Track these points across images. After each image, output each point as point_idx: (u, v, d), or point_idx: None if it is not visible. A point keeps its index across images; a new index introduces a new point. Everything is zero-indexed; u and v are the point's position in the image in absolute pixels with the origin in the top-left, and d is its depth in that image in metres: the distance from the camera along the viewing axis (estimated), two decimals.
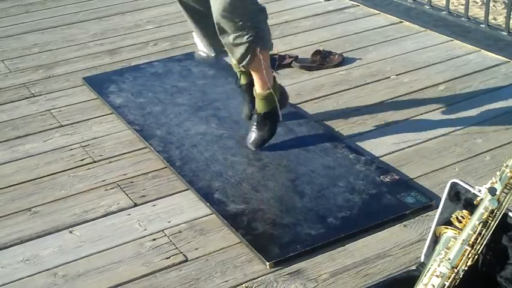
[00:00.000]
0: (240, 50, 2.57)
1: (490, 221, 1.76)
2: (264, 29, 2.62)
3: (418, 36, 3.89)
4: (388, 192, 2.50)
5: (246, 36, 2.53)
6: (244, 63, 2.61)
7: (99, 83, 3.48)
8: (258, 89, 2.73)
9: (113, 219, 2.46)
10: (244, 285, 2.12)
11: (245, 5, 2.53)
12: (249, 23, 2.52)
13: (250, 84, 2.84)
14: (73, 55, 3.88)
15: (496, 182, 1.78)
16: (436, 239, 1.90)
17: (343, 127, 2.98)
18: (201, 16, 2.77)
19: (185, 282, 2.14)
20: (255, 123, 2.77)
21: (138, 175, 2.70)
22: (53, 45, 4.04)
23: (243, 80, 2.92)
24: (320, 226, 2.34)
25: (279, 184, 2.60)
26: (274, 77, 2.76)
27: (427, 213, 2.38)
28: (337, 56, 3.59)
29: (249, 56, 2.57)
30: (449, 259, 1.75)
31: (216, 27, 2.55)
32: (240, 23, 2.50)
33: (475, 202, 1.81)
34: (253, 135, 2.79)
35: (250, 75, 2.77)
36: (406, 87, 3.30)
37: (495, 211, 1.77)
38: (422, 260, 2.02)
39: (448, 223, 1.86)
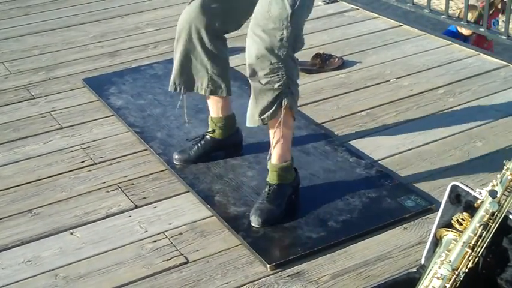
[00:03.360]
0: (268, 96, 2.29)
1: (490, 224, 1.77)
2: (296, 84, 2.37)
3: (418, 39, 3.90)
4: (388, 195, 2.51)
5: (278, 84, 2.28)
6: (267, 114, 2.31)
7: (99, 85, 3.48)
8: (274, 159, 2.42)
9: (113, 221, 2.46)
10: (245, 287, 2.13)
11: (284, 50, 2.26)
12: (284, 69, 2.27)
13: (223, 141, 2.73)
14: (73, 57, 3.89)
15: (497, 185, 1.79)
16: (436, 242, 1.91)
17: (343, 130, 2.99)
18: (193, 50, 2.54)
19: (186, 284, 2.15)
20: (266, 196, 2.41)
21: (138, 177, 2.71)
22: (53, 47, 4.05)
23: (217, 135, 2.72)
24: (321, 229, 2.35)
25: None
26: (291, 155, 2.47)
27: (427, 216, 2.39)
28: (337, 59, 3.60)
29: (274, 106, 2.30)
30: (450, 261, 1.76)
31: (248, 68, 2.31)
32: (276, 65, 2.25)
33: (475, 205, 1.82)
34: (261, 207, 2.40)
35: (228, 132, 2.67)
36: (405, 91, 3.31)
37: (496, 214, 1.78)
38: (422, 262, 2.03)
39: (449, 225, 1.87)
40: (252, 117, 2.38)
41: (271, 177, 2.44)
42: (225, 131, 2.72)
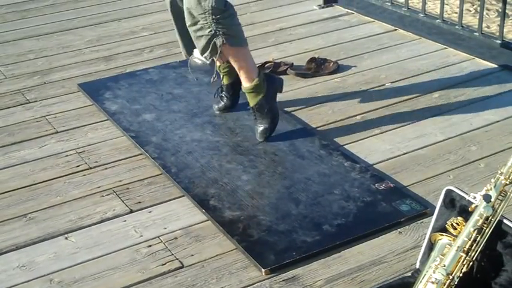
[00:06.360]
0: (202, 42, 2.81)
1: (484, 228, 1.78)
2: (230, 25, 2.80)
3: (413, 44, 3.91)
4: (382, 199, 2.51)
5: (208, 30, 2.76)
6: (206, 54, 2.84)
7: (94, 90, 3.48)
8: (243, 83, 2.91)
9: (108, 226, 2.46)
10: None
11: (208, 2, 2.73)
12: (210, 17, 2.74)
13: (232, 84, 3.10)
14: (69, 61, 3.89)
15: (491, 189, 1.80)
16: (431, 246, 1.91)
17: (338, 134, 2.99)
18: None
19: None
20: (254, 118, 2.93)
21: (133, 181, 2.71)
22: (49, 51, 4.04)
23: (225, 81, 3.12)
24: (315, 233, 2.35)
25: (274, 191, 2.60)
26: (258, 68, 2.96)
27: (422, 220, 2.39)
28: (332, 63, 3.60)
29: (210, 47, 2.80)
30: (444, 266, 1.77)
31: (185, 18, 2.80)
32: (203, 15, 2.74)
33: (469, 209, 1.83)
34: (257, 128, 2.93)
35: (233, 75, 3.03)
36: (400, 95, 3.31)
37: (490, 218, 1.78)
38: (417, 266, 2.03)
39: (443, 230, 1.87)
40: (218, 67, 2.97)
41: (249, 100, 2.92)
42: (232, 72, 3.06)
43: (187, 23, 2.82)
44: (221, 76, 3.12)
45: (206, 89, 3.41)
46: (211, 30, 2.76)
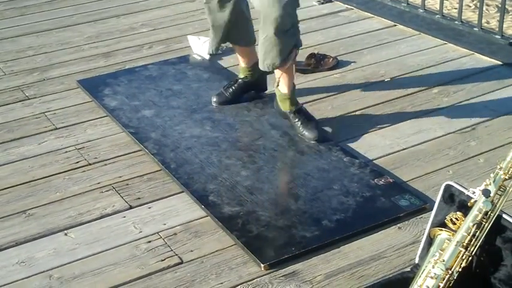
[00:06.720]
0: (287, 49, 2.71)
1: (484, 223, 1.78)
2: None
3: (412, 39, 3.90)
4: (382, 195, 2.51)
5: (295, 36, 2.74)
6: (289, 59, 2.74)
7: (93, 86, 3.48)
8: (284, 88, 2.87)
9: (108, 222, 2.46)
10: (239, 287, 2.13)
11: (294, 4, 2.69)
12: (296, 20, 2.73)
13: (246, 83, 3.15)
14: (68, 58, 3.88)
15: (490, 184, 1.80)
16: (430, 241, 1.91)
17: (338, 130, 2.99)
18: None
19: (180, 284, 2.15)
20: (298, 121, 2.89)
21: (133, 177, 2.71)
22: (48, 48, 4.04)
23: (243, 76, 3.17)
24: (315, 228, 2.35)
25: (274, 187, 2.61)
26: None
27: (421, 216, 2.40)
28: (331, 59, 3.60)
29: (292, 52, 2.74)
30: (443, 260, 1.77)
31: (274, 24, 2.63)
32: (293, 19, 2.70)
33: (468, 204, 1.83)
34: (305, 132, 2.87)
35: (254, 76, 3.11)
36: (400, 90, 3.31)
37: (489, 213, 1.78)
38: (416, 261, 2.03)
39: (443, 225, 1.88)
40: (272, 64, 2.76)
41: (282, 105, 2.92)
42: (254, 74, 3.12)
43: (276, 31, 2.65)
44: (240, 73, 3.18)
45: (205, 85, 3.41)
46: (294, 33, 2.74)
